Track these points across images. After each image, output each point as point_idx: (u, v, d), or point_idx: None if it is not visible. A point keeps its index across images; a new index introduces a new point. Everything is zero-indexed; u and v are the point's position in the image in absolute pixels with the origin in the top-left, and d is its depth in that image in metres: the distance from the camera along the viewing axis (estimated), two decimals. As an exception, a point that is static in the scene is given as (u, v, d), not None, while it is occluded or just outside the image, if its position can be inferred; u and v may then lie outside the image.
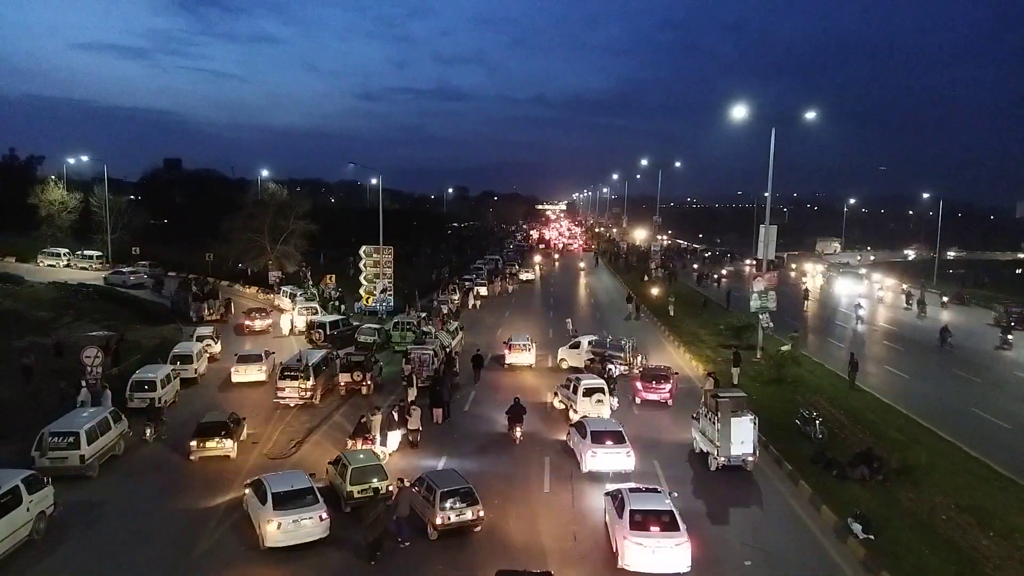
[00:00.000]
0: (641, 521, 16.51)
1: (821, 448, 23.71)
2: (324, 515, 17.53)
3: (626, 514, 16.74)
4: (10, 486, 16.91)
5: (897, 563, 16.77)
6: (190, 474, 22.05)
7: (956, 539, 18.04)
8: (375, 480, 19.38)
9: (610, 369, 31.98)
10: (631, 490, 17.99)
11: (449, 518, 17.60)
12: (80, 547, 17.36)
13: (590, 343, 36.47)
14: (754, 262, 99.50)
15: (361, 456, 20.58)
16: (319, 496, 18.03)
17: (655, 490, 18.47)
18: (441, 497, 17.66)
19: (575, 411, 26.98)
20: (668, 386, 30.22)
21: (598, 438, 22.51)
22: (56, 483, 18.82)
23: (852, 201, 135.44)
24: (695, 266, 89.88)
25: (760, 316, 37.98)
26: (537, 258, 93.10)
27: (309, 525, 17.25)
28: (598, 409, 26.64)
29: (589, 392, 27.25)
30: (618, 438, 22.61)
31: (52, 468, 20.15)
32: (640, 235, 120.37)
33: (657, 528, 16.40)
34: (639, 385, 30.57)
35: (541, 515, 19.40)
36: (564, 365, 35.90)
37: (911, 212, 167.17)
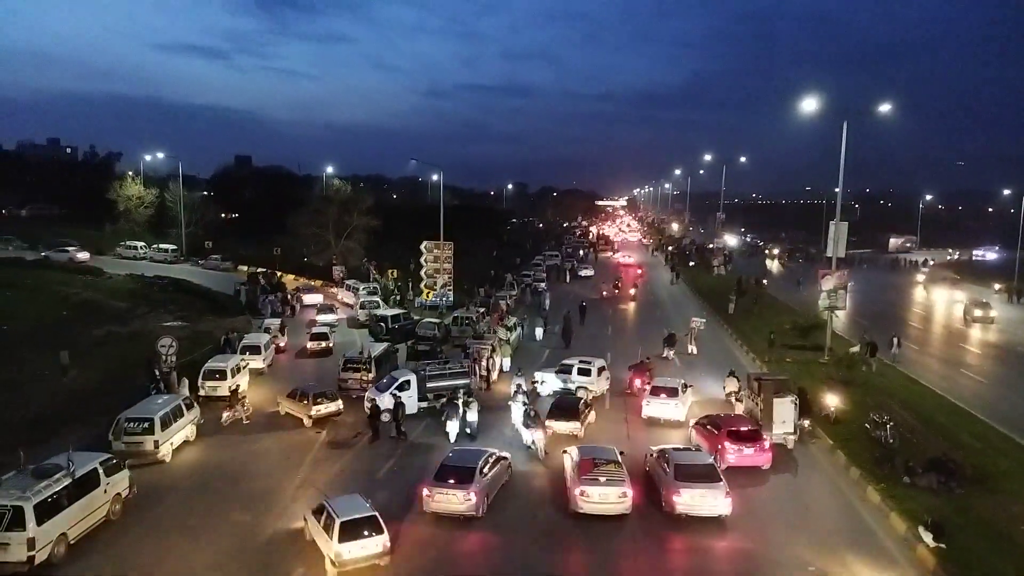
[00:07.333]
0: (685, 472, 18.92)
1: (892, 453, 22.91)
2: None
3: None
4: (89, 468, 17.73)
5: (969, 573, 16.15)
6: (256, 462, 22.69)
7: (1035, 551, 17.21)
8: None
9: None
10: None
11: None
12: (151, 529, 18.04)
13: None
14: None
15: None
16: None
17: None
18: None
19: None
20: (763, 444, 22.27)
21: (655, 392, 27.27)
22: (131, 467, 19.64)
23: (929, 197, 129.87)
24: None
25: (828, 315, 36.79)
26: None
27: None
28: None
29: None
30: (672, 393, 26.96)
31: (128, 452, 21.03)
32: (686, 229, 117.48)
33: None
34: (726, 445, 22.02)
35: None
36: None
37: (990, 209, 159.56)
